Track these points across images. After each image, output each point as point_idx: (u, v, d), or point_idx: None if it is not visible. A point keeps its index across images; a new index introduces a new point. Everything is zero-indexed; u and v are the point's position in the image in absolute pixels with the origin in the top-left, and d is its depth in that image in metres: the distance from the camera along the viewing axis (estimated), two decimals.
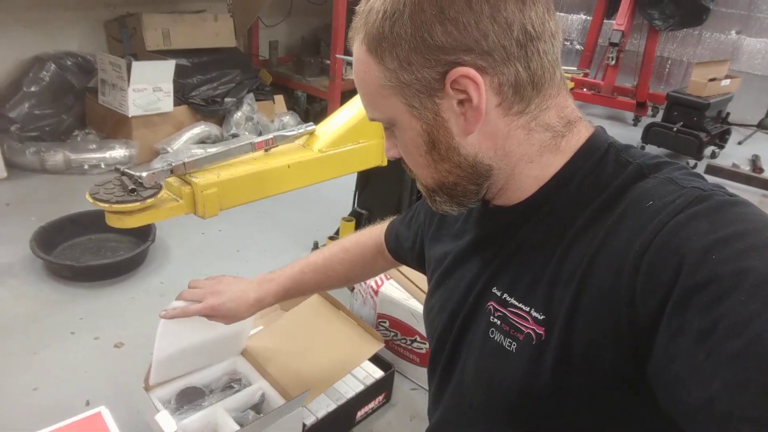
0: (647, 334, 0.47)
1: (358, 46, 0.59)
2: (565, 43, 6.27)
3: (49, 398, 1.58)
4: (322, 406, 1.47)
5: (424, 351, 1.71)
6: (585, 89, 5.29)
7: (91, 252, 2.32)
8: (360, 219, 2.26)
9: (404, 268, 1.73)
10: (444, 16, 0.52)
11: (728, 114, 4.42)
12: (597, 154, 0.59)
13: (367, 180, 2.21)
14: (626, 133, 4.91)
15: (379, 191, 2.19)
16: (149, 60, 3.24)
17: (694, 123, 4.06)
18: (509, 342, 0.61)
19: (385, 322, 1.78)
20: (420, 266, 0.94)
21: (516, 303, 0.60)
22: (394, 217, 1.05)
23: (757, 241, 0.44)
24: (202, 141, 3.44)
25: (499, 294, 0.63)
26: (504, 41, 0.53)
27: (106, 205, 1.14)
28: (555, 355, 0.55)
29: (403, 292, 1.74)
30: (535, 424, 0.61)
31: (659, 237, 0.48)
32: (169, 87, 3.20)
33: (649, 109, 5.26)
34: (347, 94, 3.94)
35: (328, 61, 3.99)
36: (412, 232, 0.94)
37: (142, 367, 1.33)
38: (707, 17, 4.80)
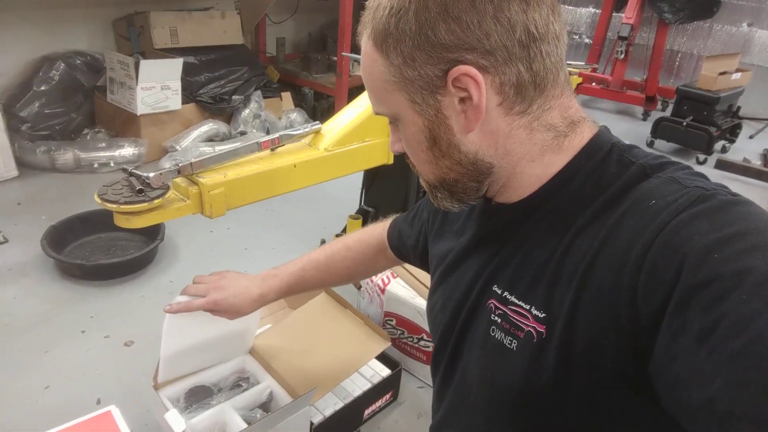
0: (648, 333, 0.47)
1: (365, 41, 0.60)
2: (574, 36, 6.23)
3: (60, 396, 1.60)
4: (330, 405, 1.48)
5: (430, 349, 1.71)
6: (594, 83, 5.25)
7: (101, 251, 2.35)
8: (367, 217, 2.26)
9: (411, 266, 1.73)
10: (448, 14, 0.53)
11: (739, 108, 4.37)
12: (600, 153, 0.59)
13: (373, 178, 2.22)
14: (635, 128, 4.88)
15: (385, 189, 2.19)
16: (157, 58, 3.26)
17: (704, 117, 4.02)
18: (510, 340, 0.61)
19: (392, 321, 1.78)
20: (423, 264, 0.94)
21: (516, 301, 0.60)
22: (397, 215, 1.05)
23: (759, 241, 0.44)
24: (211, 139, 3.45)
25: (499, 292, 0.63)
26: (506, 41, 0.53)
27: (115, 206, 1.15)
28: (556, 353, 0.55)
29: (409, 291, 1.75)
30: (538, 423, 0.61)
31: (661, 236, 0.48)
32: (177, 85, 3.22)
33: (659, 103, 5.22)
34: (354, 91, 3.94)
35: (335, 58, 3.99)
36: (416, 230, 0.95)
37: (152, 366, 1.34)
38: (718, 9, 4.75)
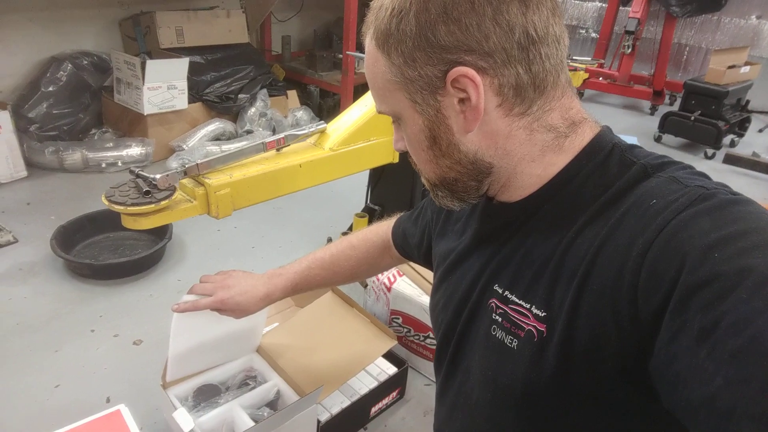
0: (649, 331, 0.47)
1: (368, 41, 0.61)
2: (580, 31, 6.19)
3: (70, 395, 1.62)
4: (336, 403, 1.49)
5: None
6: (600, 78, 5.22)
7: (109, 250, 2.37)
8: (373, 215, 2.27)
9: (417, 265, 1.73)
10: (448, 16, 0.53)
11: (748, 101, 4.34)
12: (601, 154, 0.59)
13: (379, 176, 2.22)
14: (643, 123, 4.85)
15: (391, 187, 2.20)
16: (163, 58, 3.27)
17: (712, 111, 4.00)
18: (510, 339, 0.61)
19: (398, 319, 1.79)
20: (427, 263, 0.95)
21: (517, 300, 0.61)
22: (402, 214, 1.06)
23: (759, 240, 0.44)
24: (217, 138, 3.47)
25: (500, 291, 0.64)
26: (505, 43, 0.54)
27: (122, 207, 1.16)
28: (556, 352, 0.55)
29: (416, 289, 1.75)
30: (540, 422, 0.62)
31: (661, 235, 0.48)
32: (183, 84, 3.23)
33: (667, 97, 5.18)
34: (360, 89, 3.94)
35: (341, 56, 3.99)
36: (419, 229, 0.95)
37: (160, 364, 1.35)
38: (726, 2, 4.71)
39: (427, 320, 1.71)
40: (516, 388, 0.60)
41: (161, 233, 2.32)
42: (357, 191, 2.46)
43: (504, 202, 0.65)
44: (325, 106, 4.35)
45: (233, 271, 1.16)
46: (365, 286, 1.95)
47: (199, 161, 1.28)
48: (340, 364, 1.47)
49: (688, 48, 5.60)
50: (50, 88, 3.17)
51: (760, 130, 4.69)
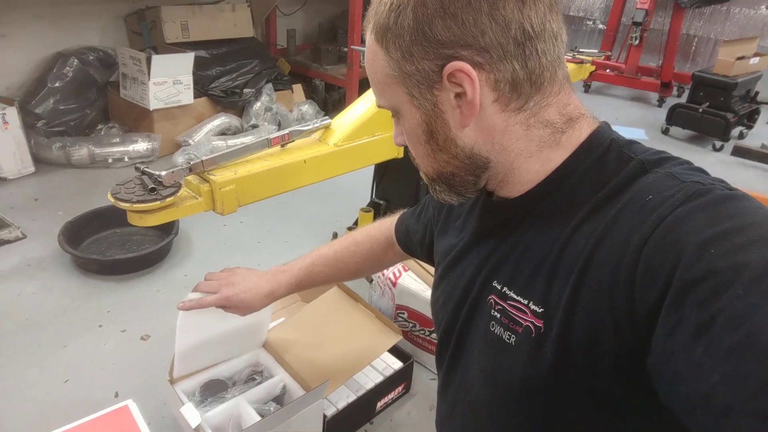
0: (646, 328, 0.47)
1: (369, 36, 0.62)
2: (587, 22, 6.15)
3: (79, 390, 1.64)
4: (342, 397, 1.49)
5: None
6: (608, 70, 5.18)
7: (116, 246, 2.38)
8: (378, 209, 2.26)
9: None
10: (445, 11, 0.54)
11: (757, 93, 4.29)
12: (599, 149, 0.59)
13: (384, 171, 2.22)
14: (650, 115, 4.81)
15: (397, 181, 2.20)
16: (169, 53, 3.27)
17: (720, 103, 3.96)
18: (509, 335, 0.61)
19: (403, 314, 1.79)
20: (430, 259, 0.95)
21: (515, 296, 0.61)
22: (405, 210, 1.06)
23: (755, 235, 0.44)
24: (223, 132, 3.47)
25: (499, 287, 0.64)
26: (501, 39, 0.54)
27: (128, 204, 1.16)
28: (553, 347, 0.55)
29: (421, 284, 1.75)
30: (539, 417, 0.62)
31: (657, 231, 0.48)
32: (188, 79, 3.24)
33: (675, 89, 5.14)
34: (365, 82, 3.91)
35: (346, 49, 3.98)
36: (422, 226, 0.95)
37: (168, 359, 1.36)
38: None
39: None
40: (514, 384, 0.61)
41: (168, 229, 2.33)
42: (362, 186, 2.46)
43: (503, 198, 0.65)
44: (331, 100, 4.34)
45: (238, 269, 1.16)
46: (370, 281, 1.95)
47: (204, 158, 1.28)
48: (346, 359, 1.47)
49: (696, 39, 5.55)
50: (57, 84, 3.18)
51: None
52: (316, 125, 1.51)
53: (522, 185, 0.62)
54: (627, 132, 4.02)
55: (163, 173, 1.20)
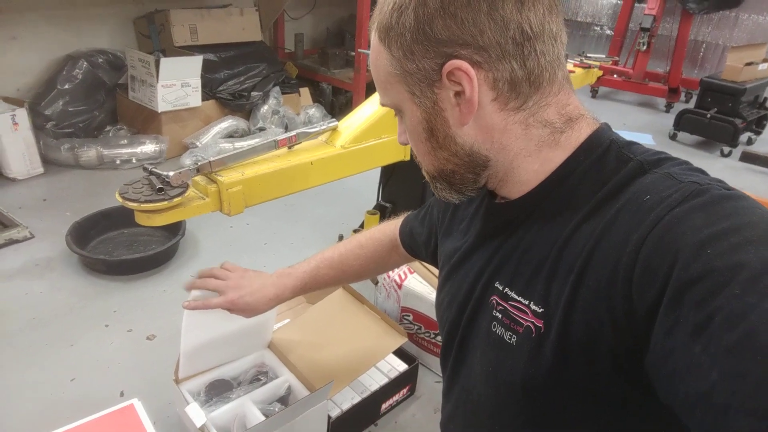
0: (644, 327, 0.48)
1: (373, 35, 0.63)
2: (595, 28, 6.14)
3: (85, 389, 1.65)
4: (347, 399, 1.49)
5: None
6: (615, 75, 5.17)
7: (123, 246, 2.39)
8: (384, 212, 2.27)
9: None
10: (444, 11, 0.55)
11: (766, 99, 4.27)
12: (598, 150, 0.59)
13: (391, 173, 2.22)
14: (658, 120, 4.80)
15: (403, 184, 2.20)
16: (177, 56, 3.30)
17: (729, 109, 3.94)
18: (510, 335, 0.62)
19: (408, 316, 1.79)
20: (434, 261, 0.95)
21: (516, 297, 0.62)
22: (409, 213, 1.06)
23: (753, 235, 0.44)
24: (230, 135, 3.49)
25: (501, 288, 0.64)
26: (500, 38, 0.55)
27: (135, 204, 1.17)
28: (553, 347, 0.56)
29: (426, 286, 1.75)
30: (541, 417, 0.62)
31: (655, 231, 0.48)
32: (197, 82, 3.26)
33: (682, 95, 5.12)
34: (372, 86, 3.93)
35: (353, 53, 4.00)
36: (426, 228, 0.96)
37: (173, 359, 1.37)
38: None
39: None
40: (516, 384, 0.61)
41: (175, 229, 2.34)
42: (368, 188, 2.46)
43: (504, 198, 0.66)
44: (338, 104, 4.36)
45: (245, 271, 1.16)
46: (376, 283, 1.95)
47: (211, 159, 1.29)
48: (351, 360, 1.47)
49: (705, 45, 5.53)
50: (66, 86, 3.21)
51: None
52: (323, 127, 1.52)
53: (522, 185, 0.63)
54: (634, 137, 3.96)
55: (171, 173, 1.21)
